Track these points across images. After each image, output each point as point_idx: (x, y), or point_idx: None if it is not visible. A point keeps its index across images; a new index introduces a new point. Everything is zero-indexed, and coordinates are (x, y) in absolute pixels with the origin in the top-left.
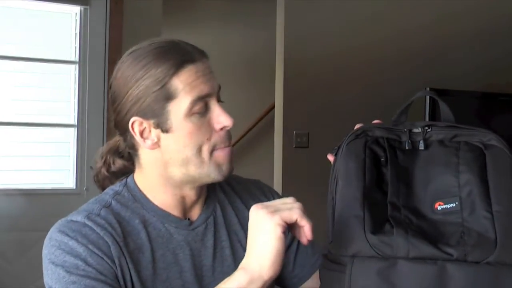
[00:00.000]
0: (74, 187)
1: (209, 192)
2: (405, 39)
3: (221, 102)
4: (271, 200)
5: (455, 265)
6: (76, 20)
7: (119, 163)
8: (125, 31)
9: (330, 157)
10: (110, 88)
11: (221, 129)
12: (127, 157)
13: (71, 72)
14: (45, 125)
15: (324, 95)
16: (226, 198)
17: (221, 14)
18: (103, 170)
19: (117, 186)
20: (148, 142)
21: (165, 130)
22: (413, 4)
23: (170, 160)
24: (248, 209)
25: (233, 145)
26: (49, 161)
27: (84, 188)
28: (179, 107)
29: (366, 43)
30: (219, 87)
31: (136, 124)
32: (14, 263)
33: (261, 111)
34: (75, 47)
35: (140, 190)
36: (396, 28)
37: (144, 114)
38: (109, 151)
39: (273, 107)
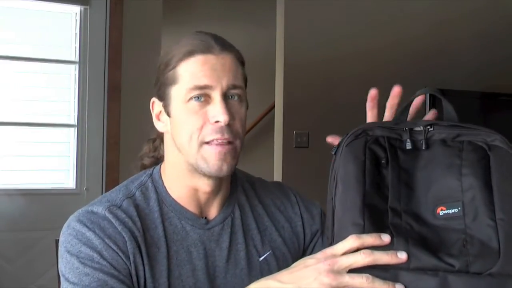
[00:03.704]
0: (74, 187)
1: (230, 193)
2: (405, 39)
3: (232, 99)
4: (294, 201)
5: (457, 277)
6: (76, 20)
7: (162, 149)
8: (125, 31)
9: (329, 139)
10: None
11: (216, 122)
12: None
13: (71, 72)
14: (45, 125)
15: (324, 95)
16: (247, 201)
17: (221, 14)
18: (150, 152)
19: (142, 176)
20: (160, 124)
21: (168, 114)
22: (414, 6)
23: (175, 145)
24: (268, 214)
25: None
26: (49, 161)
27: (84, 188)
28: (178, 93)
29: (366, 43)
30: (233, 86)
31: (154, 106)
32: (14, 263)
33: (261, 111)
34: (75, 47)
35: (162, 182)
36: (397, 28)
37: (159, 96)
38: (158, 136)
39: (273, 107)
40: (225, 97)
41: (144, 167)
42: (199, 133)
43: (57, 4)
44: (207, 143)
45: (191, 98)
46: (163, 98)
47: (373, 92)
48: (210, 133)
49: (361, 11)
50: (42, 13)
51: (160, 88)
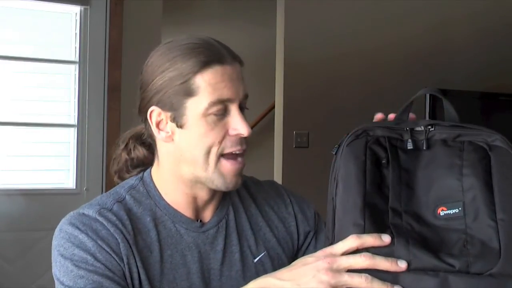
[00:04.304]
0: (74, 187)
1: (224, 195)
2: (405, 39)
3: (246, 109)
4: (288, 201)
5: (457, 277)
6: (76, 20)
7: (140, 150)
8: (125, 31)
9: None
10: (141, 73)
11: (235, 135)
12: (148, 147)
13: (71, 72)
14: (46, 125)
15: (324, 95)
16: (240, 202)
17: (221, 14)
18: (124, 154)
19: (133, 180)
20: (163, 134)
21: (180, 126)
22: (414, 6)
23: (181, 157)
24: (262, 214)
25: None
26: (49, 161)
27: (84, 188)
28: (197, 105)
29: (366, 44)
30: (246, 95)
31: (154, 114)
32: (14, 263)
33: (261, 111)
34: (75, 47)
35: (155, 186)
36: (397, 28)
37: (164, 106)
38: (132, 137)
39: (273, 107)
40: (240, 107)
41: (119, 173)
42: (218, 146)
43: (57, 4)
44: (223, 155)
45: (212, 112)
46: (172, 108)
47: (378, 117)
48: (230, 146)
49: (361, 11)
50: (42, 13)
51: (164, 97)
